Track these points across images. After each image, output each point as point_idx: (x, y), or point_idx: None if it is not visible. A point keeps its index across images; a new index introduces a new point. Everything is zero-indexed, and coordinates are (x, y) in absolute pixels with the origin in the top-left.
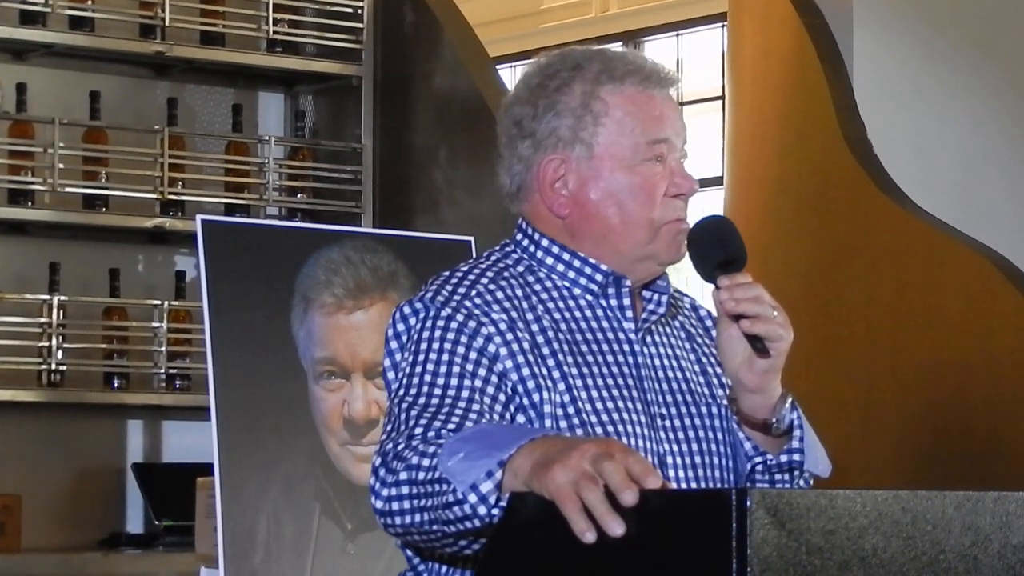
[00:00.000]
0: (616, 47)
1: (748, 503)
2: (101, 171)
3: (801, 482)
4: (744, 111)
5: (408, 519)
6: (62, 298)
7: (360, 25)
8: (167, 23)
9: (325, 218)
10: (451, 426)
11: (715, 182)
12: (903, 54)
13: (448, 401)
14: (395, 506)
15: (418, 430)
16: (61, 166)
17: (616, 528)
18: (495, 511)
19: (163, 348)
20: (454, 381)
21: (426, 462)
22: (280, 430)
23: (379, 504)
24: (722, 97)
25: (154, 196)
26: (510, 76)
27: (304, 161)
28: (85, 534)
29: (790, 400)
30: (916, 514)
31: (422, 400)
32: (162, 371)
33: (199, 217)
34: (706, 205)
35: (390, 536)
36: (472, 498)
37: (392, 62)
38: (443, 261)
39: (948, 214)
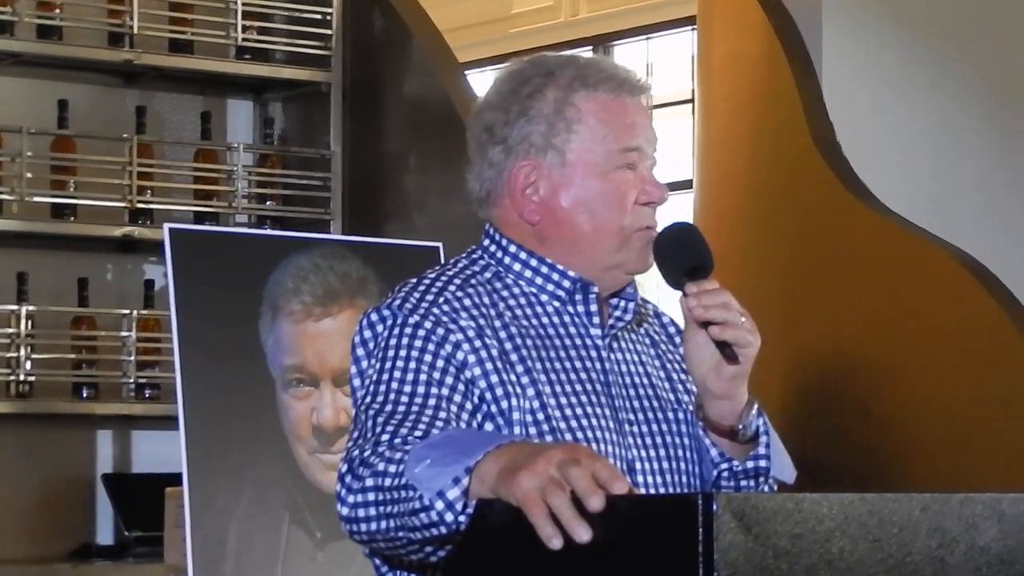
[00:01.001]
0: (586, 51)
1: (714, 507)
2: (69, 180)
3: (766, 488)
4: (714, 114)
5: (374, 526)
6: (30, 308)
7: (329, 32)
8: (135, 31)
9: (295, 225)
10: (418, 433)
11: (685, 185)
12: (872, 56)
13: (415, 408)
14: (360, 513)
15: (385, 436)
16: (29, 175)
17: (583, 534)
18: (462, 518)
19: (132, 357)
20: (421, 389)
21: (392, 468)
22: (249, 439)
23: (344, 511)
24: (692, 100)
25: (123, 205)
26: (480, 81)
27: (273, 168)
28: (55, 545)
29: (756, 406)
30: (883, 516)
31: (389, 407)
32: (131, 380)
33: (166, 225)
34: (676, 208)
35: (358, 544)
36: (439, 505)
37: (361, 68)
38: (412, 267)
39: (918, 216)
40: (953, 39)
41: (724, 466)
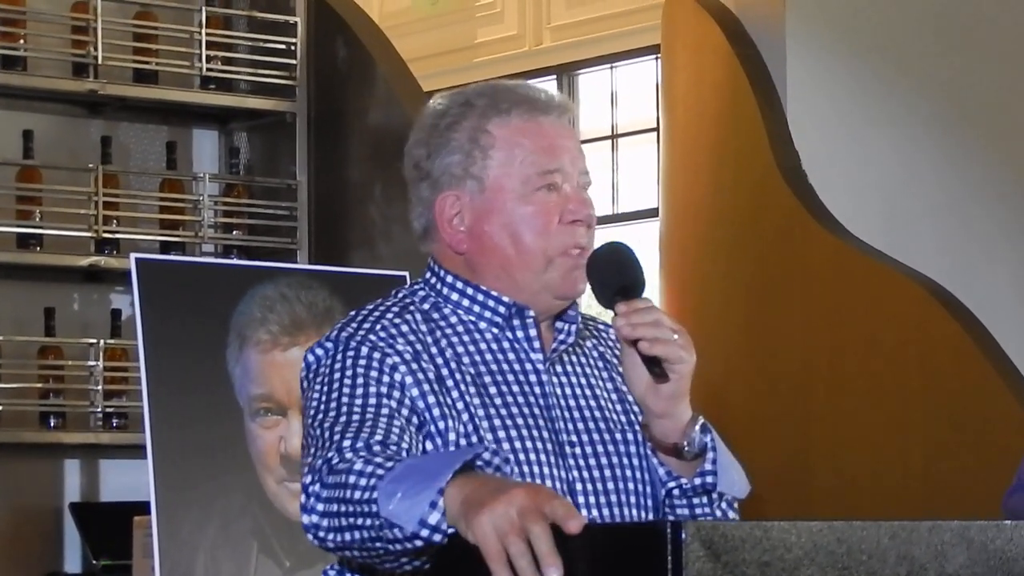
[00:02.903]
0: (550, 81)
1: (683, 536)
2: (35, 210)
3: (724, 504)
4: (678, 142)
5: (347, 536)
6: None
7: (293, 61)
8: (100, 61)
9: (261, 255)
10: (378, 436)
11: (651, 214)
12: (836, 83)
13: (370, 415)
14: (332, 522)
15: (346, 443)
16: None
17: None
18: (450, 531)
19: (99, 387)
20: (372, 400)
21: (363, 481)
22: (217, 468)
23: (314, 519)
24: (657, 129)
25: (89, 234)
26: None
27: (239, 198)
28: (22, 574)
29: (701, 422)
30: (851, 544)
31: (343, 418)
32: (99, 410)
33: (133, 256)
34: (642, 236)
35: (327, 552)
36: (424, 532)
37: (326, 98)
38: (378, 296)
39: (882, 242)
40: (912, 68)
41: (672, 484)
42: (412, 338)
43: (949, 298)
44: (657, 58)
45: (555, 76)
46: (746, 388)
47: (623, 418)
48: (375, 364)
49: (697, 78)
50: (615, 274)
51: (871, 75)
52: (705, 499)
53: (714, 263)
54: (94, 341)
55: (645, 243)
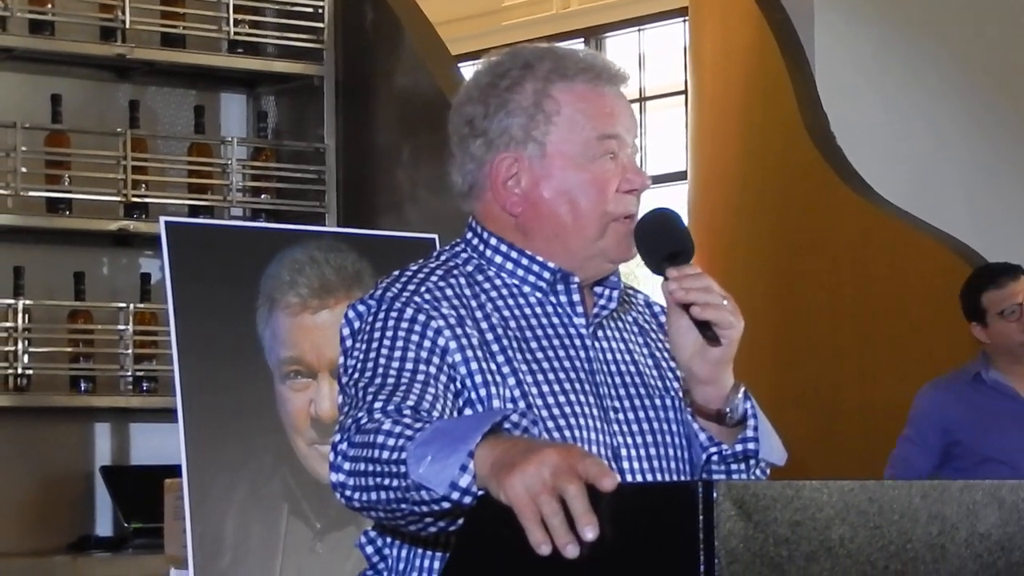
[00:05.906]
0: (577, 44)
1: (715, 495)
2: (64, 174)
3: (758, 471)
4: (706, 106)
5: (373, 496)
6: (27, 302)
7: (321, 25)
8: (127, 25)
9: (289, 218)
10: (410, 401)
11: (679, 177)
12: (865, 46)
13: (405, 380)
14: (359, 481)
15: (378, 404)
16: (24, 170)
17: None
18: (479, 493)
19: (129, 351)
20: (409, 365)
21: (391, 442)
22: (247, 431)
23: (341, 477)
24: (685, 92)
25: (117, 199)
26: (472, 74)
27: (267, 162)
28: (54, 538)
29: (743, 390)
30: (883, 504)
31: (378, 380)
32: (129, 374)
33: (162, 219)
34: (670, 200)
35: (354, 512)
36: (455, 495)
37: (353, 62)
38: (407, 259)
39: (910, 205)
40: (939, 33)
41: (713, 450)
42: (456, 302)
43: (978, 262)
44: (685, 21)
45: (583, 39)
46: (773, 353)
47: (660, 384)
48: (417, 328)
49: (725, 41)
50: (665, 240)
51: (900, 38)
52: (743, 465)
53: (742, 226)
54: (124, 305)
55: (673, 206)
